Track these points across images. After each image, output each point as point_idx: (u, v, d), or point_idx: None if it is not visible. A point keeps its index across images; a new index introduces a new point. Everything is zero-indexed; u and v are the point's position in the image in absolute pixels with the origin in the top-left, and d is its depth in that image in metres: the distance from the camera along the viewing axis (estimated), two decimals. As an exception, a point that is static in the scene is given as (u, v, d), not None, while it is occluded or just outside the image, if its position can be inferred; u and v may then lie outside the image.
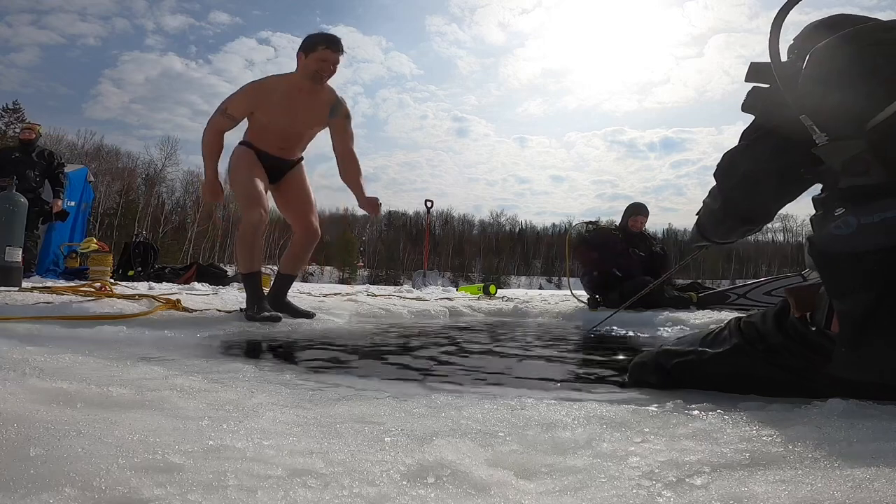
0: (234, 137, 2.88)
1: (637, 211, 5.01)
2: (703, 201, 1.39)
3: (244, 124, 2.88)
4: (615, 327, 3.34)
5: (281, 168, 2.90)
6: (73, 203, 7.36)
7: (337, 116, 2.82)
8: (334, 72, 2.67)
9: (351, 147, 2.87)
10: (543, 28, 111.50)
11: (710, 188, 1.35)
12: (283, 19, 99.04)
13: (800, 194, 1.21)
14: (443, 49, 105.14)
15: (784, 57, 1.14)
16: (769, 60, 1.11)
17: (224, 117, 2.72)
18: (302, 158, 3.00)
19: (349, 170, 2.87)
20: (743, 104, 1.21)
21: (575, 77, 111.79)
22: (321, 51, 2.60)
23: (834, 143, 1.00)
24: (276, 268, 3.17)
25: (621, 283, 4.51)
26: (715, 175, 1.29)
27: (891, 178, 0.96)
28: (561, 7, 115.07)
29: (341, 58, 2.67)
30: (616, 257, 4.67)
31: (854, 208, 0.97)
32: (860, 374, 0.96)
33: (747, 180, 1.20)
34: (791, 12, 1.11)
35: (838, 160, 1.00)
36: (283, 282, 3.02)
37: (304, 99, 2.73)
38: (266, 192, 2.81)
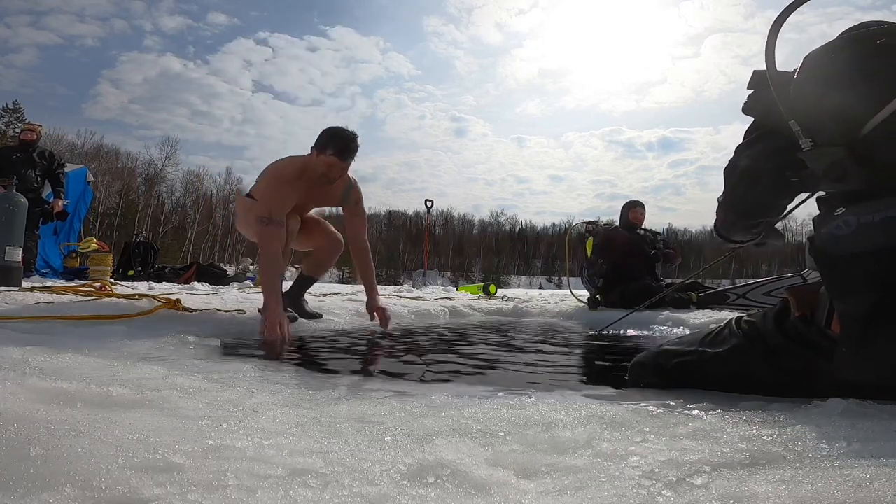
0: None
1: (635, 203, 5.07)
2: (717, 199, 1.42)
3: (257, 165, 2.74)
4: (616, 328, 3.34)
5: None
6: (67, 202, 7.34)
7: (348, 203, 2.70)
8: (338, 177, 2.53)
9: (362, 235, 2.75)
10: (541, 28, 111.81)
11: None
12: (281, 20, 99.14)
13: (797, 194, 1.22)
14: (440, 49, 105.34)
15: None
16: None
17: (276, 226, 2.39)
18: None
19: (360, 262, 2.80)
20: (743, 106, 1.23)
21: (573, 77, 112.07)
22: (329, 156, 2.42)
23: (816, 149, 1.02)
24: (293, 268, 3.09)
25: (623, 285, 4.50)
26: (724, 171, 1.32)
27: (879, 182, 0.97)
28: (558, 8, 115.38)
29: (350, 163, 2.51)
30: (623, 255, 4.68)
31: (854, 208, 0.97)
32: (862, 375, 0.96)
33: (745, 177, 1.23)
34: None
35: (820, 166, 1.01)
36: (304, 282, 2.98)
37: (317, 187, 2.57)
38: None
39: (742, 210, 1.30)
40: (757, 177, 1.21)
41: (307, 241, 2.91)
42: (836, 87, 1.03)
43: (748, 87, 1.20)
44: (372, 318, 2.71)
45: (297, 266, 3.20)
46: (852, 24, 1.13)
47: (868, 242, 0.94)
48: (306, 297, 3.07)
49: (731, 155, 1.29)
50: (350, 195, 2.69)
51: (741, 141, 1.26)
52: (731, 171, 1.27)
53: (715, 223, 1.44)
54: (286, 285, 2.90)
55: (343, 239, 2.92)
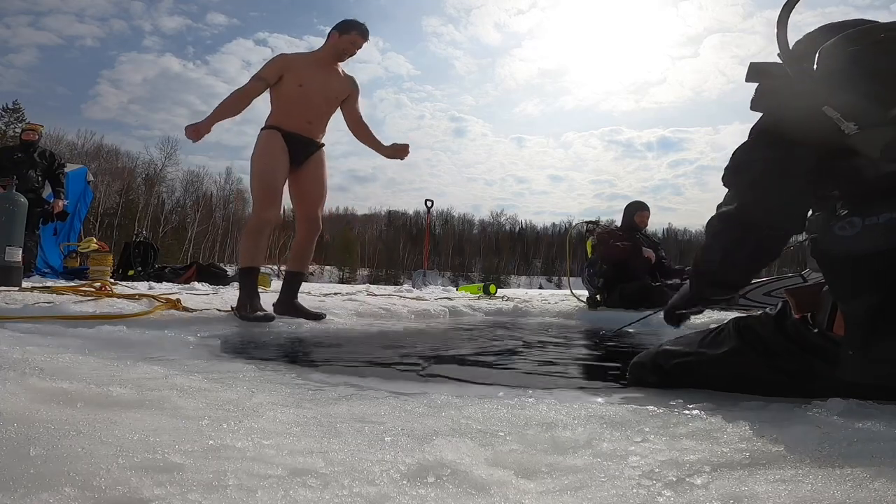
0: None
1: (642, 207, 5.04)
2: (701, 251, 1.22)
3: (266, 111, 2.99)
4: (616, 328, 3.33)
5: (307, 150, 2.98)
6: (67, 202, 7.32)
7: (356, 87, 3.18)
8: (355, 54, 3.09)
9: (361, 118, 3.21)
10: (540, 29, 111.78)
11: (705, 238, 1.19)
12: (280, 21, 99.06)
13: (812, 193, 1.08)
14: (439, 50, 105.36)
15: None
16: (768, 60, 1.11)
17: (257, 81, 2.89)
18: (323, 144, 3.08)
19: (365, 131, 3.18)
20: (752, 102, 1.14)
21: (572, 77, 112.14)
22: (354, 35, 3.01)
23: (867, 131, 0.96)
24: (275, 267, 3.23)
25: (623, 285, 4.51)
26: (725, 178, 1.14)
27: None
28: (556, 8, 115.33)
29: (364, 45, 3.10)
30: (622, 259, 4.67)
31: (859, 209, 0.97)
32: (869, 378, 0.95)
33: (764, 178, 1.06)
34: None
35: (876, 147, 0.96)
36: (293, 280, 3.06)
37: (328, 70, 3.04)
38: (283, 185, 2.90)
39: (759, 221, 1.07)
40: (775, 177, 1.04)
41: (298, 196, 3.01)
42: (859, 77, 0.99)
43: (747, 80, 1.15)
44: (394, 154, 3.14)
45: (281, 267, 3.29)
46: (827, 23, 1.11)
47: (873, 243, 0.93)
48: (306, 297, 3.08)
49: (728, 157, 1.14)
50: (356, 84, 3.17)
51: (748, 140, 1.13)
52: (738, 172, 1.11)
53: (704, 272, 1.20)
54: (275, 284, 2.95)
55: (320, 223, 3.06)
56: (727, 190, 1.14)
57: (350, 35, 3.00)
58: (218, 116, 2.81)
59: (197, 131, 2.72)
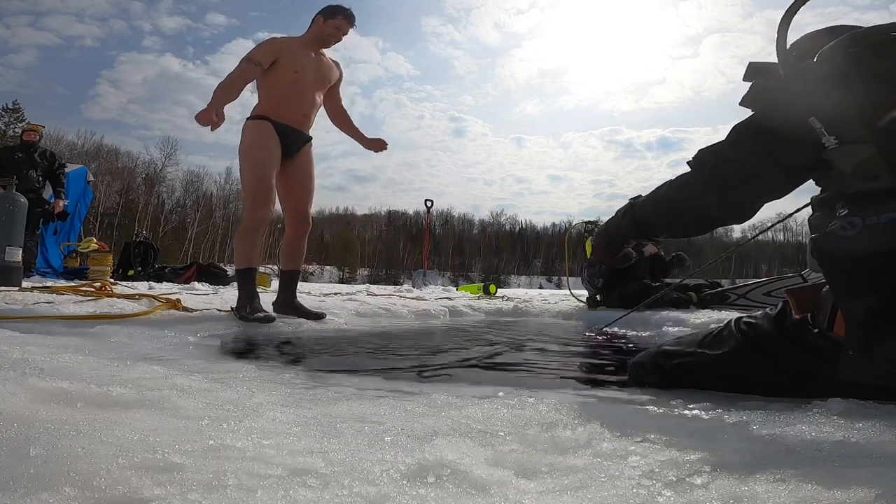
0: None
1: None
2: (656, 195, 1.27)
3: (252, 101, 2.91)
4: (616, 327, 3.34)
5: (297, 142, 2.89)
6: (67, 202, 7.32)
7: (342, 72, 3.14)
8: (340, 40, 3.02)
9: (343, 106, 3.22)
10: (539, 29, 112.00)
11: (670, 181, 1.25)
12: (280, 21, 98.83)
13: (784, 195, 1.14)
14: (439, 50, 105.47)
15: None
16: (768, 60, 1.11)
17: (251, 64, 2.77)
18: (311, 137, 3.00)
19: (346, 120, 3.19)
20: (742, 99, 1.14)
21: (571, 77, 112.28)
22: (339, 20, 2.93)
23: (844, 146, 0.98)
24: (274, 267, 3.22)
25: (622, 285, 4.50)
26: (696, 165, 1.18)
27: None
28: (556, 8, 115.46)
29: (350, 31, 3.03)
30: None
31: (860, 209, 0.97)
32: (869, 378, 0.95)
33: (741, 175, 1.12)
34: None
35: (849, 164, 0.98)
36: (289, 279, 3.00)
37: (317, 57, 2.97)
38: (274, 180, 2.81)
39: (724, 211, 1.16)
40: (751, 175, 1.11)
41: (286, 192, 2.93)
42: (845, 87, 1.00)
43: (744, 79, 1.15)
44: (374, 146, 3.18)
45: (274, 267, 3.27)
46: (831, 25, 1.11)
47: (873, 243, 0.93)
48: (306, 297, 3.08)
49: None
50: (341, 69, 3.13)
51: (728, 136, 1.15)
52: (715, 167, 1.15)
53: (643, 217, 1.28)
54: (273, 284, 2.93)
55: (310, 220, 3.01)
56: (691, 170, 1.19)
57: (335, 20, 2.92)
58: (222, 102, 2.63)
59: (208, 116, 2.55)
